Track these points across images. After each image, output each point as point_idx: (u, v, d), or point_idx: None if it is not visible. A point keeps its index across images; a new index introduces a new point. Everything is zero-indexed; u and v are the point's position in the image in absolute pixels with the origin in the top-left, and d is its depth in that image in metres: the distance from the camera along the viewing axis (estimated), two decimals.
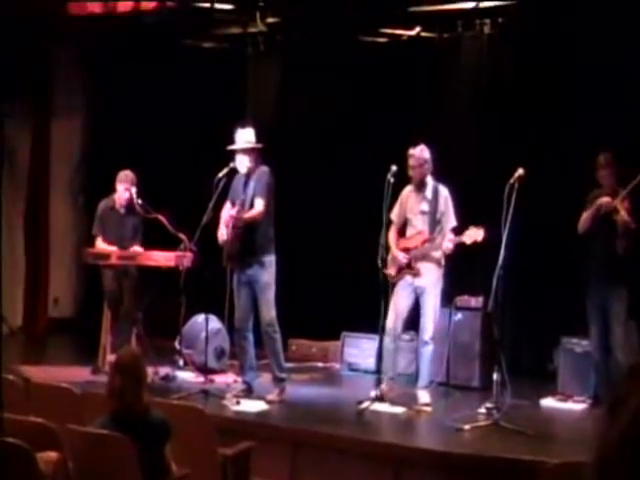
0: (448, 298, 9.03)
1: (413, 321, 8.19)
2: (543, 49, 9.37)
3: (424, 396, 7.99)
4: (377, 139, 10.03)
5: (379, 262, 8.04)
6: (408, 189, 8.21)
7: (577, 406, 8.11)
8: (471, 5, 9.59)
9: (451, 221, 8.05)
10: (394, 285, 8.09)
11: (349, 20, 10.33)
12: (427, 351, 8.05)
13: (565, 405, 8.18)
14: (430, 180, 8.11)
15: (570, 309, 8.51)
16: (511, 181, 7.37)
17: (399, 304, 8.03)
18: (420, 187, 8.12)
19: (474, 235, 7.68)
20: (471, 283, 9.00)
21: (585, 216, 7.81)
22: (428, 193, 8.08)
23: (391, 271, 8.11)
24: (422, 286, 8.00)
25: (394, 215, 8.20)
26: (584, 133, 8.87)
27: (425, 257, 8.00)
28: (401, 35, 10.47)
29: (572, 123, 9.11)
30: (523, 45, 9.57)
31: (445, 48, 10.11)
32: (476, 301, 8.99)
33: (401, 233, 8.24)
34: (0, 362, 5.07)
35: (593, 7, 8.83)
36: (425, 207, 8.07)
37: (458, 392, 8.75)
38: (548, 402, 8.26)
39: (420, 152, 8.05)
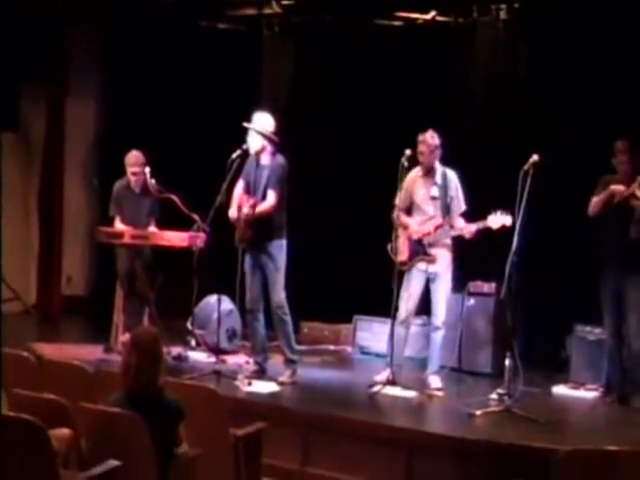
0: (461, 283, 9.03)
1: (424, 305, 8.18)
2: (559, 35, 9.31)
3: (435, 381, 8.01)
4: (391, 122, 10.00)
5: (389, 249, 8.04)
6: (414, 174, 8.15)
7: (589, 394, 8.08)
8: None
9: (461, 206, 8.05)
10: (402, 272, 8.05)
11: (364, 3, 10.28)
12: (438, 336, 8.06)
13: (577, 393, 8.15)
14: (438, 165, 8.09)
15: (584, 297, 8.47)
16: (525, 167, 7.31)
17: (412, 292, 8.00)
18: (429, 173, 8.10)
19: (501, 220, 7.59)
20: (484, 269, 8.98)
21: (596, 200, 7.73)
22: (438, 178, 8.06)
23: (402, 258, 8.07)
24: (435, 272, 7.99)
25: (399, 200, 8.14)
26: (600, 119, 8.82)
27: (437, 243, 7.99)
28: (416, 19, 10.43)
29: (587, 109, 9.05)
30: (539, 31, 9.51)
31: (460, 33, 10.06)
32: (489, 287, 8.97)
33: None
34: None
35: None
36: (436, 192, 8.05)
37: (470, 378, 8.74)
38: (560, 390, 8.24)
39: (431, 138, 8.02)
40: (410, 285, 8.02)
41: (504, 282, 7.37)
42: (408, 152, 7.88)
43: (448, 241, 8.01)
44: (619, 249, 7.69)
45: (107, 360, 8.17)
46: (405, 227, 8.12)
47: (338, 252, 10.50)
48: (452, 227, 7.98)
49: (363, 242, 10.14)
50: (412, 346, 8.95)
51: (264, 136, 8.07)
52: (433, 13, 10.20)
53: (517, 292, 7.54)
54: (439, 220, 8.00)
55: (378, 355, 9.37)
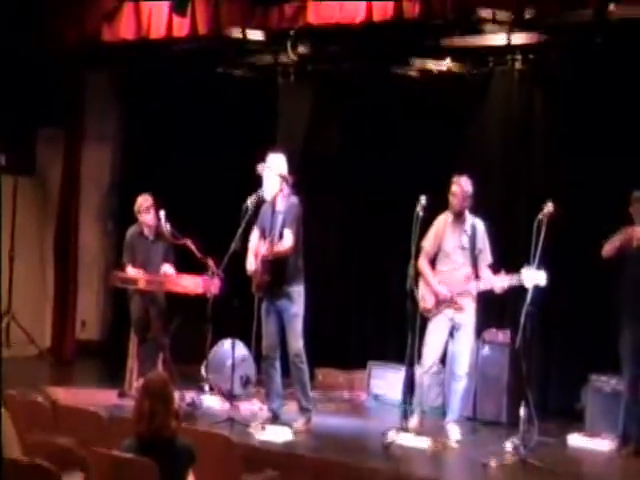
0: (476, 331, 8.99)
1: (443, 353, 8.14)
2: (574, 85, 9.34)
3: (455, 432, 7.91)
4: (406, 171, 10.02)
5: (409, 294, 7.89)
6: (443, 218, 8.09)
7: (605, 445, 7.97)
8: (503, 40, 9.56)
9: (488, 258, 7.99)
10: (426, 319, 8.00)
11: (380, 52, 10.34)
12: (460, 386, 8.00)
13: (593, 444, 8.03)
14: (468, 214, 8.04)
15: (599, 346, 8.43)
16: (540, 216, 7.29)
17: (437, 340, 7.95)
18: (459, 219, 8.03)
19: (537, 279, 7.29)
20: (499, 316, 8.94)
21: (612, 242, 7.63)
22: (467, 227, 8.00)
23: (428, 305, 8.00)
24: (460, 321, 7.94)
25: (428, 244, 8.05)
26: (615, 169, 8.82)
27: (465, 293, 7.94)
28: (431, 70, 10.47)
29: (603, 159, 9.05)
30: (554, 81, 9.54)
31: (475, 82, 10.10)
32: (504, 335, 8.87)
33: (431, 263, 8.13)
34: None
35: (626, 43, 8.80)
36: (465, 242, 7.98)
37: (484, 427, 8.65)
38: (575, 440, 8.12)
39: (465, 184, 7.96)
40: (435, 334, 7.95)
41: (519, 331, 7.33)
42: (423, 200, 7.71)
43: (474, 291, 7.97)
44: (638, 301, 7.62)
45: (121, 405, 8.16)
46: (427, 284, 8.01)
47: (353, 298, 10.50)
48: (478, 278, 7.91)
49: (378, 288, 10.15)
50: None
51: (281, 177, 8.05)
52: (448, 61, 10.23)
53: (532, 341, 7.51)
54: (468, 270, 7.93)
55: (391, 403, 9.29)
